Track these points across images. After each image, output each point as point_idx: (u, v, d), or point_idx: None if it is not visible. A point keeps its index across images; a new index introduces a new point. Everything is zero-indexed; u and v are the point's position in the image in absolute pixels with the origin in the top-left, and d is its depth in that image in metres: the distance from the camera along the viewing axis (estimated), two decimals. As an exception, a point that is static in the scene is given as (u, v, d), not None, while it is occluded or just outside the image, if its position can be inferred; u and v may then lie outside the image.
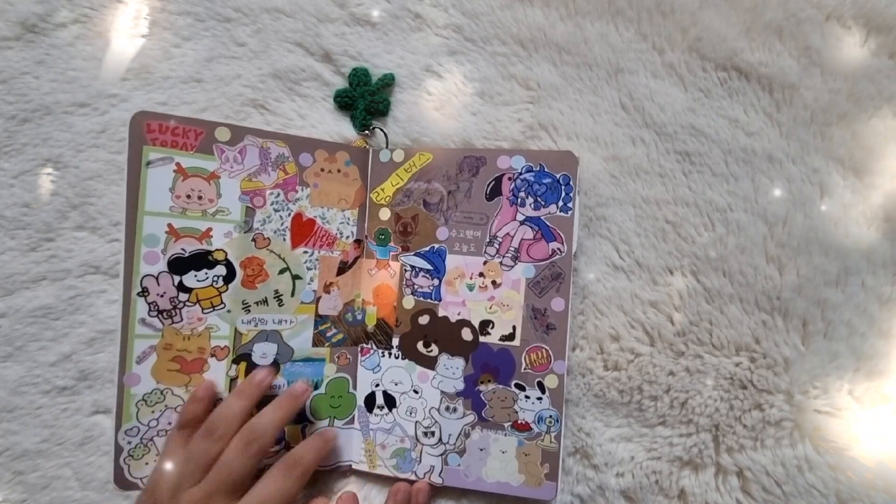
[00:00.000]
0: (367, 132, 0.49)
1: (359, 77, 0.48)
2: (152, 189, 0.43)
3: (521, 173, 0.46)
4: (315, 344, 0.48)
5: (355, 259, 0.48)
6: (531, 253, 0.46)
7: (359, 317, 0.49)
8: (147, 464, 0.44)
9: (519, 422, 0.46)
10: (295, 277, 0.47)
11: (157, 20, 0.50)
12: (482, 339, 0.47)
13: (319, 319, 0.48)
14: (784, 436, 0.43)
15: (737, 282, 0.44)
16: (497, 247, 0.46)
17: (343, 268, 0.48)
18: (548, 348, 0.45)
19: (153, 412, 0.44)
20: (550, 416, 0.45)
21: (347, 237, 0.48)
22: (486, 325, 0.47)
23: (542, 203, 0.46)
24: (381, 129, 0.49)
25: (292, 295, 0.47)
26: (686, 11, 0.45)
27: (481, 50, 0.48)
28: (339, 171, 0.48)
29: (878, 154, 0.43)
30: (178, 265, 0.43)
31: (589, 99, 0.47)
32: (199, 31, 0.50)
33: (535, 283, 0.46)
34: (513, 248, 0.46)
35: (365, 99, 0.48)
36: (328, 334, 0.48)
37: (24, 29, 0.50)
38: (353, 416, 0.49)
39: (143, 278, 0.43)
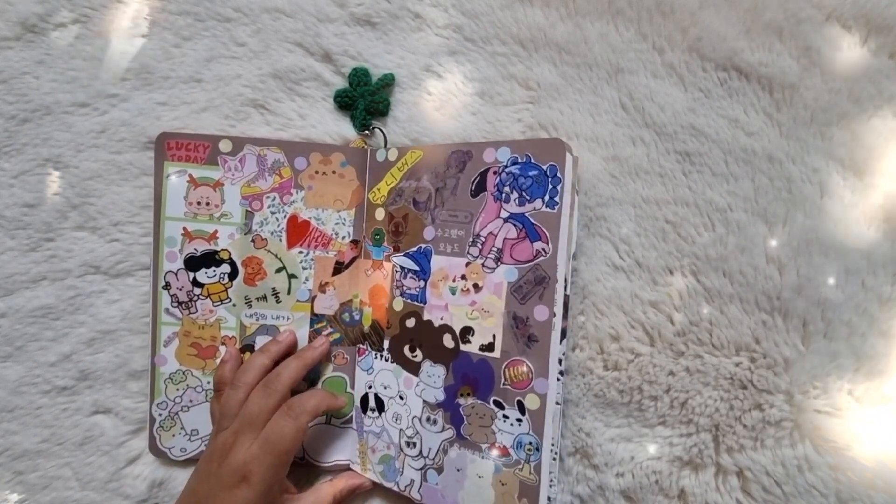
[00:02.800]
0: (366, 132, 0.49)
1: (359, 77, 0.48)
2: (171, 198, 0.48)
3: (506, 166, 0.43)
4: (310, 342, 0.48)
5: (352, 259, 0.49)
6: (514, 254, 0.42)
7: (356, 317, 0.49)
8: (174, 436, 0.49)
9: (497, 444, 0.42)
10: (291, 276, 0.49)
11: (157, 20, 0.50)
12: (462, 347, 0.44)
13: (315, 318, 0.49)
14: (784, 436, 0.43)
15: (737, 282, 0.44)
16: (480, 247, 0.43)
17: (339, 268, 0.49)
18: (529, 363, 0.41)
19: (178, 389, 0.49)
20: (530, 444, 0.41)
21: (343, 237, 0.48)
22: (466, 332, 0.43)
23: (528, 198, 0.42)
24: (381, 129, 0.49)
25: (289, 293, 0.49)
26: (686, 11, 0.45)
27: (481, 50, 0.48)
28: (334, 172, 0.48)
29: (878, 154, 0.43)
30: (192, 263, 0.49)
31: (589, 99, 0.47)
32: (199, 31, 0.50)
33: (518, 287, 0.42)
34: (495, 249, 0.43)
35: (365, 99, 0.48)
36: (324, 333, 0.48)
37: (24, 29, 0.50)
38: (352, 416, 0.49)
39: (165, 274, 0.48)
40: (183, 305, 0.48)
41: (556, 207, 0.41)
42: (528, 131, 0.47)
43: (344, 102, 0.49)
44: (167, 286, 0.48)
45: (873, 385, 0.42)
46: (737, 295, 0.44)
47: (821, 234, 0.43)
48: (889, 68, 0.43)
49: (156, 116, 0.50)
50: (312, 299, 0.49)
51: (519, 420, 0.41)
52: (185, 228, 0.48)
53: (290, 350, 0.47)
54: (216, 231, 0.48)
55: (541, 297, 0.41)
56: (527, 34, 0.47)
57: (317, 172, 0.48)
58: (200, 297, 0.48)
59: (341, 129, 0.49)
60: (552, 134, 0.47)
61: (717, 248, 0.44)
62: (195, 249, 0.48)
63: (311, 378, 0.48)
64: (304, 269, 0.48)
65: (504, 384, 0.42)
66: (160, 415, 0.49)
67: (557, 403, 0.42)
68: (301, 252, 0.48)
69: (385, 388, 0.47)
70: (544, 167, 0.41)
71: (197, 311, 0.49)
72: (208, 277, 0.48)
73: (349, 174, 0.48)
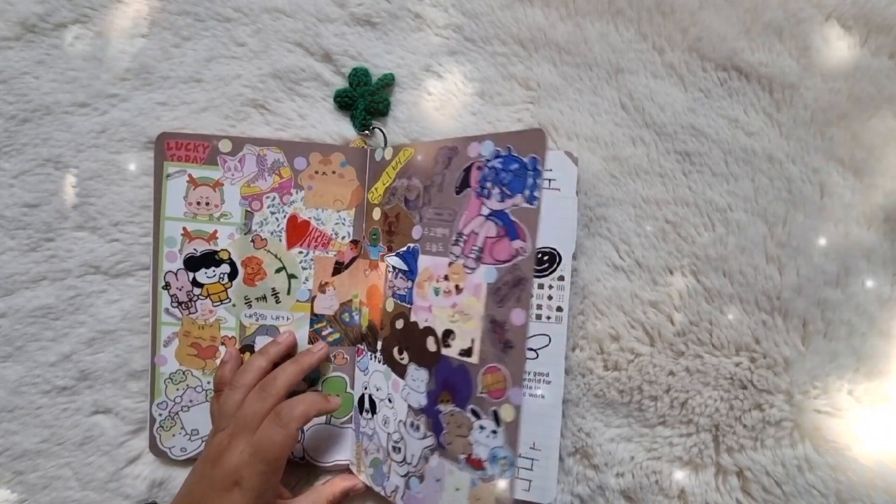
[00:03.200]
0: (366, 132, 0.49)
1: (359, 77, 0.48)
2: (171, 198, 0.48)
3: (489, 160, 0.40)
4: (311, 341, 0.48)
5: (352, 259, 0.49)
6: (494, 253, 0.39)
7: (356, 317, 0.49)
8: (174, 436, 0.49)
9: (473, 456, 0.40)
10: (290, 276, 0.48)
11: (157, 20, 0.50)
12: (443, 351, 0.41)
13: (315, 318, 0.48)
14: (784, 436, 0.43)
15: (737, 282, 0.44)
16: (462, 246, 0.41)
17: (339, 268, 0.48)
18: (505, 371, 0.38)
19: (178, 389, 0.49)
20: (505, 458, 0.38)
21: (343, 237, 0.48)
22: (447, 336, 0.41)
23: (508, 193, 0.39)
24: (381, 129, 0.49)
25: (288, 293, 0.49)
26: (686, 11, 0.45)
27: (481, 50, 0.48)
28: (334, 172, 0.48)
29: (878, 154, 0.43)
30: (192, 263, 0.48)
31: (589, 99, 0.47)
32: (199, 31, 0.50)
33: (496, 289, 0.39)
34: (476, 248, 0.40)
35: (365, 99, 0.48)
36: (324, 333, 0.48)
37: (24, 29, 0.50)
38: (352, 416, 0.49)
39: (165, 274, 0.48)
40: (183, 305, 0.48)
41: (536, 203, 0.38)
42: (528, 131, 0.47)
43: (344, 102, 0.49)
44: (167, 286, 0.48)
45: (873, 385, 0.42)
46: (737, 295, 0.44)
47: (821, 234, 0.43)
48: (889, 68, 0.43)
49: (156, 116, 0.50)
50: (312, 299, 0.49)
51: (494, 432, 0.39)
52: (184, 228, 0.48)
53: (290, 351, 0.47)
54: (216, 231, 0.48)
55: (518, 300, 0.38)
56: (527, 34, 0.47)
57: (317, 172, 0.48)
58: (200, 297, 0.48)
59: (341, 129, 0.49)
60: (552, 134, 0.47)
61: (717, 248, 0.45)
62: (195, 249, 0.48)
63: (311, 378, 0.48)
64: (303, 269, 0.48)
65: (481, 392, 0.39)
66: (160, 415, 0.49)
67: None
68: (301, 252, 0.48)
69: (377, 389, 0.47)
70: (525, 160, 0.39)
71: (197, 311, 0.48)
72: (208, 277, 0.48)
73: (349, 174, 0.48)
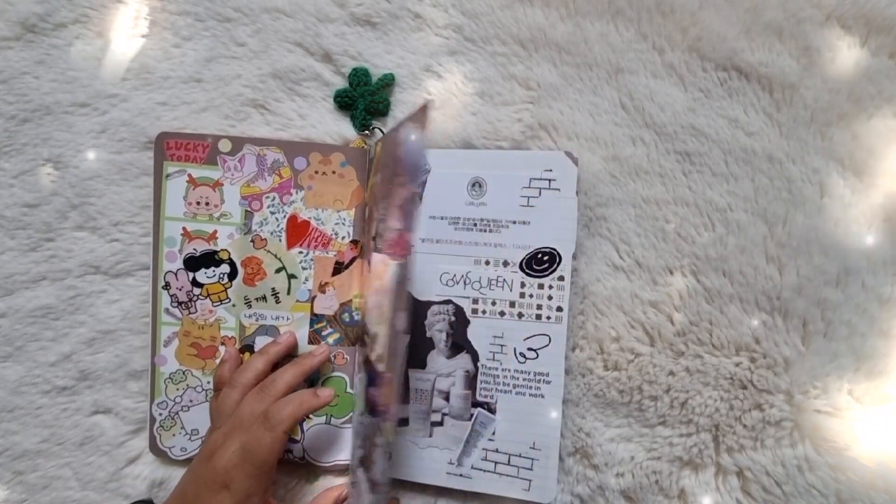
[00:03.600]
0: (366, 132, 0.49)
1: (359, 77, 0.48)
2: (170, 198, 0.48)
3: (406, 143, 0.36)
4: (311, 342, 0.48)
5: (352, 259, 0.49)
6: (398, 248, 0.36)
7: (356, 317, 0.49)
8: (174, 435, 0.49)
9: (373, 477, 0.36)
10: (290, 276, 0.48)
11: (157, 20, 0.50)
12: (370, 355, 0.38)
13: (315, 318, 0.48)
14: (784, 436, 0.43)
15: (737, 282, 0.44)
16: (386, 241, 0.38)
17: (339, 268, 0.48)
18: (392, 382, 0.35)
19: (178, 389, 0.49)
20: (384, 485, 0.35)
21: (343, 237, 0.48)
22: (374, 339, 0.38)
23: (411, 178, 0.35)
24: (381, 130, 0.49)
25: (288, 293, 0.48)
26: (686, 11, 0.45)
27: (481, 50, 0.48)
28: (334, 172, 0.48)
29: (878, 154, 0.43)
30: (192, 263, 0.48)
31: (589, 99, 0.47)
32: (199, 31, 0.50)
33: (395, 289, 0.35)
34: (390, 243, 0.37)
35: (365, 99, 0.48)
36: (323, 333, 0.48)
37: (24, 29, 0.50)
38: (352, 416, 0.49)
39: (165, 274, 0.48)
40: (183, 305, 0.48)
41: (414, 185, 0.33)
42: (528, 131, 0.47)
43: (344, 102, 0.49)
44: (167, 286, 0.48)
45: (873, 385, 0.42)
46: (737, 295, 0.44)
47: (821, 234, 0.43)
48: (889, 68, 0.43)
49: (156, 116, 0.50)
50: (312, 299, 0.49)
51: (386, 452, 0.35)
52: (184, 228, 0.48)
53: (290, 352, 0.47)
54: (216, 231, 0.48)
55: (400, 298, 0.34)
56: (527, 34, 0.47)
57: (316, 172, 0.48)
58: (200, 297, 0.48)
59: (341, 129, 0.49)
60: (552, 135, 0.47)
61: (717, 248, 0.45)
62: (195, 249, 0.48)
63: (311, 378, 0.48)
64: (303, 269, 0.48)
65: (381, 405, 0.36)
66: (160, 414, 0.49)
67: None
68: (301, 252, 0.48)
69: (357, 392, 0.46)
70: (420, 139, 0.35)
71: (196, 311, 0.48)
72: (207, 277, 0.48)
73: (349, 174, 0.48)
